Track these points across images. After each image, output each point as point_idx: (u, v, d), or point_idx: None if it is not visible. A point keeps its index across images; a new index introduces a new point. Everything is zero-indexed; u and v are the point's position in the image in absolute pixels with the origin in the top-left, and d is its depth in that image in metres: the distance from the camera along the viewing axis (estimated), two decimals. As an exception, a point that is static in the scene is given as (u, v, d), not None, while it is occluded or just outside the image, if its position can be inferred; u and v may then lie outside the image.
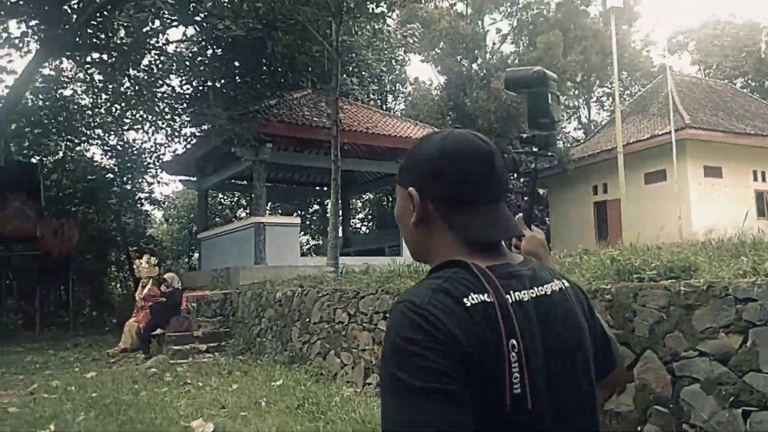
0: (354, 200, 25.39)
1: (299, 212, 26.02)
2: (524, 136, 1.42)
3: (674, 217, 18.36)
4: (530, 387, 0.88)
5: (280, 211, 25.88)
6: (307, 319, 7.80)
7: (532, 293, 0.96)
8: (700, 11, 60.05)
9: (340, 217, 22.06)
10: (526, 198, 26.30)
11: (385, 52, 21.70)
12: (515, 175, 27.30)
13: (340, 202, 23.19)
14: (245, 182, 20.19)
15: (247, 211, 29.27)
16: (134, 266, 14.43)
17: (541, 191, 29.55)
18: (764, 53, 33.03)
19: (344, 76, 17.74)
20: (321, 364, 7.18)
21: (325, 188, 21.73)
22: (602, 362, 1.10)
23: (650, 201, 20.03)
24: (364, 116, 17.00)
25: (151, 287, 10.86)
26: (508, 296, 0.92)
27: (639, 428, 3.59)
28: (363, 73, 20.32)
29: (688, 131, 19.41)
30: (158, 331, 9.84)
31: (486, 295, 0.90)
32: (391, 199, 24.72)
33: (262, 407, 5.55)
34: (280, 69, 15.67)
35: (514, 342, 0.88)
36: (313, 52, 13.80)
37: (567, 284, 1.06)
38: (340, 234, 21.62)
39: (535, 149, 1.40)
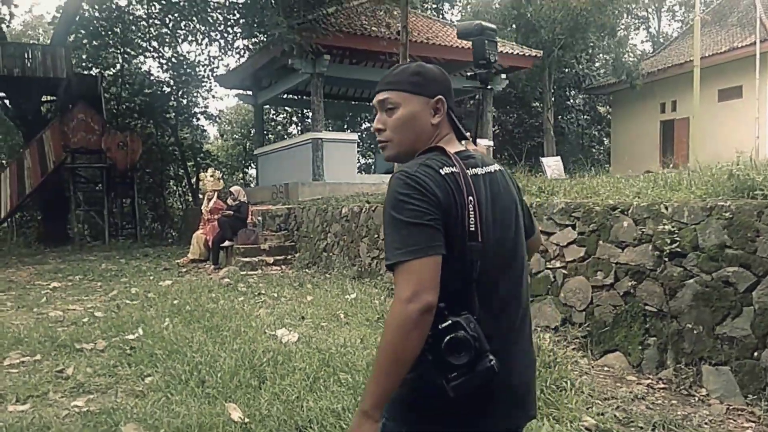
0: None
1: (350, 130, 25.72)
2: (468, 73, 2.01)
3: (748, 137, 17.23)
4: (480, 226, 1.29)
5: (330, 129, 25.64)
6: (376, 235, 7.73)
7: (482, 171, 1.39)
8: None
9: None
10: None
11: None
12: (577, 91, 26.09)
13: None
14: (301, 97, 19.93)
15: (300, 128, 29.18)
16: (199, 180, 14.53)
17: (602, 109, 28.26)
18: None
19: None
20: (391, 279, 7.14)
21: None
22: (526, 226, 1.52)
23: (722, 120, 18.80)
24: (423, 26, 16.23)
25: (217, 200, 10.97)
26: (468, 170, 1.34)
27: (755, 353, 3.38)
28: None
29: None
30: (226, 243, 10.01)
31: (454, 168, 1.32)
32: (458, 112, 24.12)
33: (341, 319, 5.58)
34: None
35: (471, 198, 1.29)
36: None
37: (502, 168, 1.49)
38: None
39: (478, 84, 2.06)
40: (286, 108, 27.44)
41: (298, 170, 15.06)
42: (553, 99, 23.04)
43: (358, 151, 17.42)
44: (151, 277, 8.96)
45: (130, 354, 4.51)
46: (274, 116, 28.82)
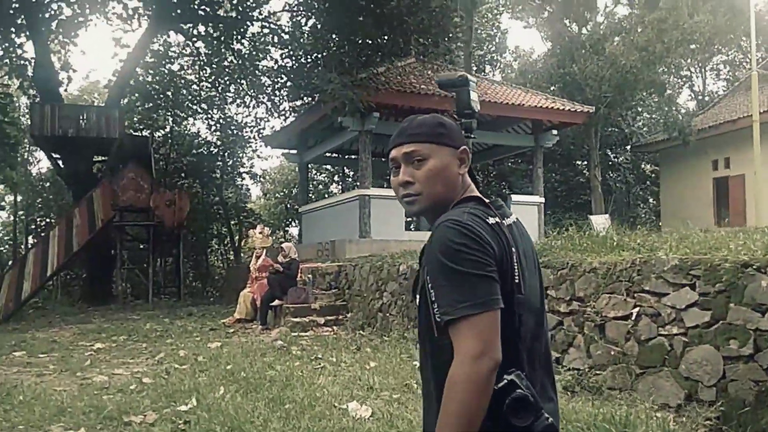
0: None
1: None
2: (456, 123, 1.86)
3: None
4: (522, 277, 1.28)
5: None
6: (442, 295, 7.14)
7: (511, 220, 1.38)
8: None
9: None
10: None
11: (490, 15, 20.66)
12: (623, 149, 25.44)
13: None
14: (344, 156, 19.83)
15: (341, 186, 29.15)
16: (242, 238, 14.24)
17: (647, 167, 27.43)
18: None
19: (447, 40, 16.82)
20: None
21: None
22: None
23: None
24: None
25: (266, 258, 10.58)
26: (503, 220, 1.33)
27: None
28: (466, 41, 19.35)
29: None
30: (276, 302, 9.52)
31: (496, 218, 1.31)
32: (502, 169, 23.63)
33: (414, 389, 4.94)
34: (388, 34, 14.95)
35: (514, 249, 1.28)
36: (432, 7, 12.91)
37: (517, 218, 1.45)
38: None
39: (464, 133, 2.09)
40: (328, 167, 27.52)
41: (344, 227, 14.69)
42: (599, 156, 22.50)
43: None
44: (198, 338, 8.48)
45: (184, 429, 3.96)
46: (316, 175, 28.90)
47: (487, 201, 1.34)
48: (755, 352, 3.62)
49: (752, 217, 17.35)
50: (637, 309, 4.47)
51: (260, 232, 11.02)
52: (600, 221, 17.16)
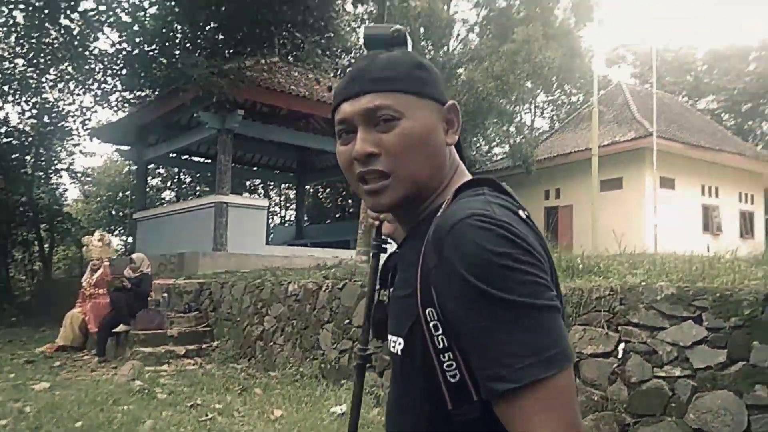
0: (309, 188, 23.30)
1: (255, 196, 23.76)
2: None
3: (629, 227, 17.89)
4: (559, 297, 0.81)
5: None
6: (347, 321, 6.06)
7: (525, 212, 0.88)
8: (639, 27, 62.31)
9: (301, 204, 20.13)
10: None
11: (354, 24, 20.05)
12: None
13: (305, 189, 21.16)
14: (196, 158, 17.87)
15: (176, 192, 26.65)
16: (82, 245, 11.60)
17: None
18: (702, 73, 34.21)
19: (314, 42, 15.87)
20: (376, 380, 5.48)
21: (289, 173, 19.75)
22: None
23: (604, 209, 19.36)
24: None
25: (105, 270, 8.60)
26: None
27: None
28: (333, 47, 18.52)
29: (650, 140, 18.94)
30: (120, 327, 7.67)
31: (525, 211, 0.84)
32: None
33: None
34: (251, 27, 13.53)
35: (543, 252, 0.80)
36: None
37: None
38: (286, 224, 19.75)
39: None
40: (161, 170, 24.90)
41: (194, 239, 12.91)
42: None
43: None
44: (13, 376, 6.41)
45: None
46: (152, 177, 26.01)
47: (503, 184, 0.88)
48: (793, 401, 3.12)
49: (578, 245, 18.67)
50: (623, 345, 3.84)
51: (99, 240, 8.98)
52: None
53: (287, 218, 28.55)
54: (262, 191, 25.96)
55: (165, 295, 8.30)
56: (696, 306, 3.60)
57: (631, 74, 36.12)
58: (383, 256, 1.08)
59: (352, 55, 20.86)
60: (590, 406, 3.87)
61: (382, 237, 1.16)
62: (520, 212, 0.82)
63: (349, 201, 24.10)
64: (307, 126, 15.00)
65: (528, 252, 0.73)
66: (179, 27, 12.33)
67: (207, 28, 12.32)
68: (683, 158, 19.88)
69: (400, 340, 0.83)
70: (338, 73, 17.99)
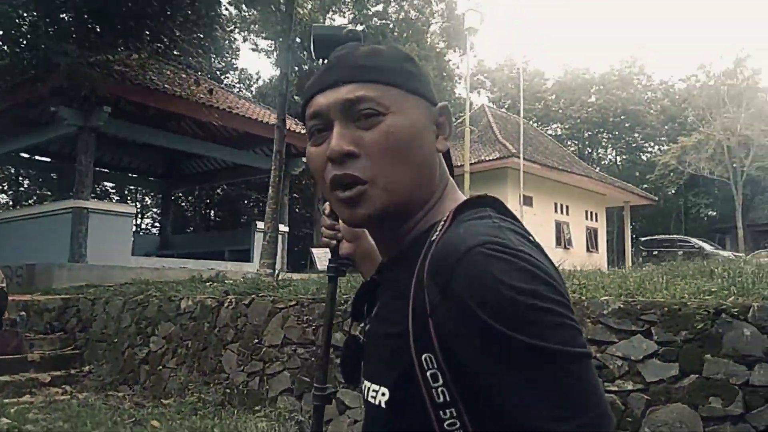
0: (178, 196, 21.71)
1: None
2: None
3: None
4: None
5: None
6: (256, 340, 5.53)
7: None
8: (497, 53, 66.70)
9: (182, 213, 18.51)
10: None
11: (231, 26, 19.16)
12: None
13: (171, 196, 19.69)
14: (47, 159, 15.91)
15: (11, 198, 23.76)
16: None
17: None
18: (550, 101, 37.39)
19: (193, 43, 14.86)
20: (294, 405, 5.02)
21: (153, 178, 18.25)
22: None
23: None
24: (222, 95, 14.39)
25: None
26: None
27: None
28: (206, 44, 17.49)
29: (513, 160, 20.24)
30: (-34, 353, 6.41)
31: (532, 236, 0.69)
32: (227, 194, 21.68)
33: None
34: (136, 18, 12.31)
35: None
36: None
37: None
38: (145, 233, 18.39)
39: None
40: (4, 169, 22.00)
41: (46, 249, 11.42)
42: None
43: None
44: None
45: None
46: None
47: (503, 202, 0.73)
48: (746, 411, 3.24)
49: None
50: (572, 360, 3.81)
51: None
52: (320, 254, 17.11)
53: (143, 227, 26.54)
54: (116, 197, 23.85)
55: (22, 313, 7.10)
56: (644, 320, 3.66)
57: (489, 99, 38.49)
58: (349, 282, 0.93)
59: (229, 59, 20.05)
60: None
61: (341, 259, 1.01)
62: (531, 238, 0.68)
63: (216, 210, 22.92)
64: (179, 128, 13.98)
65: (555, 289, 0.60)
66: (37, 12, 10.83)
67: (77, 15, 10.93)
68: (540, 178, 21.34)
69: (384, 390, 0.68)
70: (214, 74, 17.07)
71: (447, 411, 0.60)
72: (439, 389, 0.60)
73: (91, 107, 11.10)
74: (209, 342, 5.90)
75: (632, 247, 24.89)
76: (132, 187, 23.36)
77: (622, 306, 3.77)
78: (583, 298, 3.99)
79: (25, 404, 5.61)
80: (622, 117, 36.63)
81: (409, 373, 0.62)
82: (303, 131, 14.47)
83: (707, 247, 21.55)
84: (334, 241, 1.01)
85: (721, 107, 29.57)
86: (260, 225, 14.88)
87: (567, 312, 0.59)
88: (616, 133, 38.40)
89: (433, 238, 0.66)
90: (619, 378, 3.64)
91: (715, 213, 32.84)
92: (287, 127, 14.01)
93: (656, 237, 23.34)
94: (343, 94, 0.71)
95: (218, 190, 21.48)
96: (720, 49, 57.08)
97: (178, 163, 17.18)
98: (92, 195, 20.54)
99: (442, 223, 0.68)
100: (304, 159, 15.93)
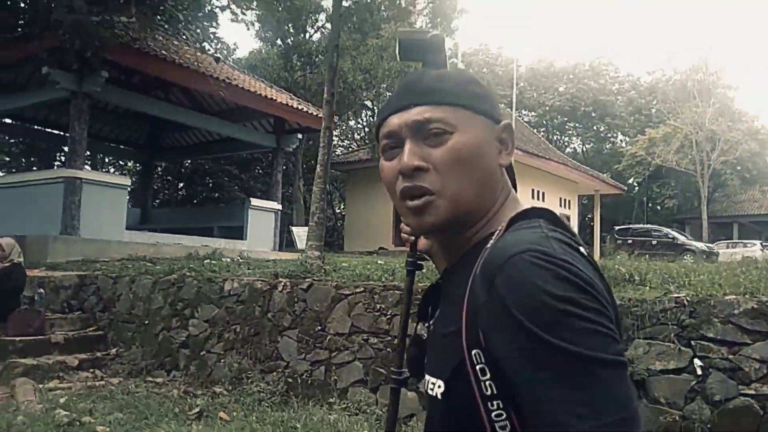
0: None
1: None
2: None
3: None
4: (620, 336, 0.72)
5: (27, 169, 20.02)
6: (318, 327, 5.23)
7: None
8: (471, 38, 66.61)
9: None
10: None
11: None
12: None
13: (153, 169, 18.84)
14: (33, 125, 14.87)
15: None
16: None
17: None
18: (523, 88, 37.57)
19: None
20: (369, 398, 4.77)
21: (135, 148, 17.29)
22: None
23: None
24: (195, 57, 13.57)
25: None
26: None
27: None
28: (194, 10, 16.63)
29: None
30: (-14, 332, 5.86)
31: (584, 248, 0.74)
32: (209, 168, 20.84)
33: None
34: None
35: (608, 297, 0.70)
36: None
37: None
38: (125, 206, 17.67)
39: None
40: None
41: (36, 220, 10.70)
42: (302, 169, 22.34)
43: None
44: None
45: None
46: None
47: (558, 215, 0.78)
48: None
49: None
50: (698, 361, 3.70)
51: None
52: (301, 233, 16.76)
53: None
54: (90, 167, 22.71)
55: (41, 290, 6.54)
56: (781, 321, 3.58)
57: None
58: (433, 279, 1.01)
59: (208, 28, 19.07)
60: (666, 426, 3.67)
61: (418, 253, 1.06)
62: (581, 249, 0.73)
63: (198, 185, 22.07)
64: (170, 98, 13.27)
65: (593, 297, 0.65)
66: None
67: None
68: (520, 165, 21.30)
69: (440, 383, 0.76)
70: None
71: (494, 403, 0.67)
72: (487, 383, 0.67)
73: (88, 71, 10.37)
74: (262, 327, 5.56)
75: (600, 235, 25.42)
76: (109, 159, 22.27)
77: (755, 306, 3.67)
78: (709, 295, 3.87)
79: (60, 390, 5.17)
80: (592, 107, 37.17)
81: (461, 367, 0.69)
82: (301, 106, 13.97)
83: (681, 237, 22.16)
84: (413, 237, 1.04)
85: (687, 101, 30.35)
86: (255, 202, 14.37)
87: (602, 320, 0.63)
88: (585, 122, 38.99)
89: (488, 245, 0.73)
90: (756, 381, 3.55)
91: (676, 204, 33.80)
92: (284, 102, 13.50)
93: (631, 226, 23.79)
94: (413, 115, 0.79)
95: (205, 166, 20.68)
96: (688, 45, 58.28)
97: (162, 133, 16.39)
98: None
99: (498, 232, 0.75)
100: (300, 136, 15.46)
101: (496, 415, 0.67)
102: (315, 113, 14.56)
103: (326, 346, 5.15)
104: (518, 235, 0.71)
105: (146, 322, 6.33)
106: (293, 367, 5.25)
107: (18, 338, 5.84)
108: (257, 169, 22.03)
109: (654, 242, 21.87)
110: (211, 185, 21.28)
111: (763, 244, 28.80)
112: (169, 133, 16.28)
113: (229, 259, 12.43)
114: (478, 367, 0.68)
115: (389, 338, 4.83)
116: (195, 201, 20.82)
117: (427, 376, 0.80)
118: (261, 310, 5.63)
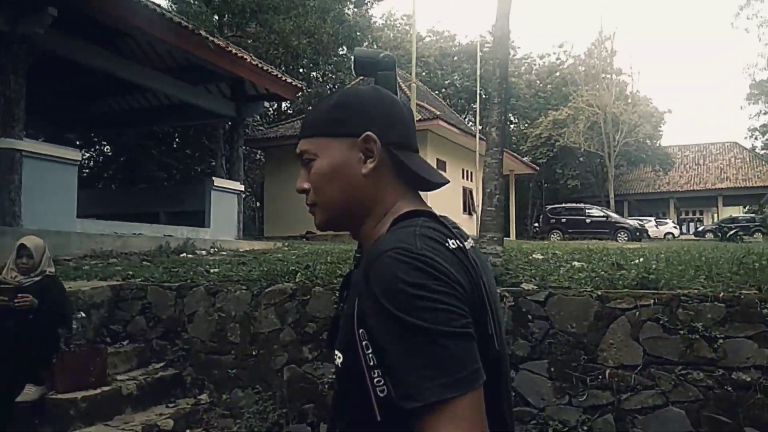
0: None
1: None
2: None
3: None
4: (496, 325, 0.89)
5: None
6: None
7: (470, 243, 0.95)
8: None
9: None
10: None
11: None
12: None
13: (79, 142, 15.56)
14: None
15: None
16: None
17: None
18: (433, 67, 37.05)
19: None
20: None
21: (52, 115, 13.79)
22: None
23: None
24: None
25: None
26: (464, 243, 0.91)
27: None
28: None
29: (434, 122, 18.76)
30: (27, 392, 3.59)
31: (457, 241, 0.88)
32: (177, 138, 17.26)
33: None
34: None
35: (482, 285, 0.87)
36: None
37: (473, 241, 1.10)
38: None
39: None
40: None
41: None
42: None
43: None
44: None
45: None
46: None
47: (438, 215, 0.95)
48: None
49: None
50: None
51: None
52: None
53: None
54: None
55: (81, 314, 4.28)
56: None
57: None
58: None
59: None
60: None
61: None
62: (449, 242, 0.86)
63: (135, 162, 18.32)
64: (118, 49, 10.56)
65: (445, 282, 0.79)
66: None
67: None
68: (452, 144, 20.49)
69: (340, 354, 0.89)
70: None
71: (375, 372, 0.80)
72: (370, 355, 0.80)
73: (30, 7, 7.72)
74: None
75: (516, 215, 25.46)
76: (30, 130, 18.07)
77: None
78: None
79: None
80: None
81: (352, 342, 0.82)
82: (262, 65, 11.72)
83: (614, 215, 22.70)
84: None
85: (584, 85, 31.52)
86: (218, 182, 12.00)
87: (452, 300, 0.78)
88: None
89: (372, 244, 0.89)
90: None
91: (578, 184, 35.16)
92: (240, 56, 11.13)
93: (563, 205, 23.94)
94: (298, 148, 1.00)
95: (149, 141, 17.32)
96: (581, 29, 60.26)
97: (97, 99, 13.33)
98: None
99: (384, 232, 0.91)
100: (267, 104, 13.21)
101: (377, 382, 0.80)
102: (286, 79, 12.47)
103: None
104: (394, 235, 0.86)
105: (254, 353, 4.37)
106: (540, 414, 3.70)
107: (77, 395, 3.68)
108: (202, 141, 18.79)
109: (588, 221, 22.17)
110: (155, 164, 17.97)
111: (658, 220, 30.98)
112: (106, 98, 13.28)
113: (204, 252, 10.23)
114: (363, 343, 0.81)
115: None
116: (137, 181, 17.45)
117: (335, 350, 0.91)
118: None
